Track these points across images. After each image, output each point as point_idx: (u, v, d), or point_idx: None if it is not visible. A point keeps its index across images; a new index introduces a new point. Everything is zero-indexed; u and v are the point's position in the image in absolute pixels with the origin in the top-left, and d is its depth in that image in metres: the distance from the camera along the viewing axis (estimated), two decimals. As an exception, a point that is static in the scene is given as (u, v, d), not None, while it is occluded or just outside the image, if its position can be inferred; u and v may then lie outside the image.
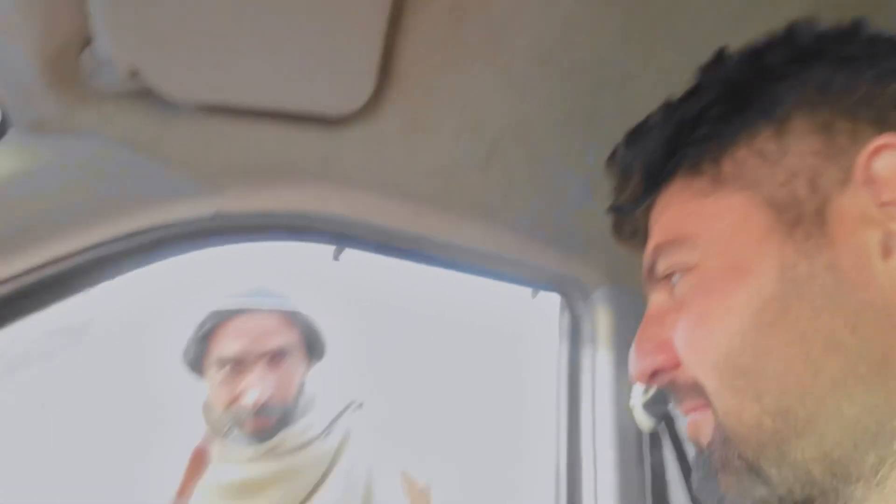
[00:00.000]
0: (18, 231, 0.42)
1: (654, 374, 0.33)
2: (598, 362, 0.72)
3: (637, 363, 0.34)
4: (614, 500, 0.66)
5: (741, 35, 0.34)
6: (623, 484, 0.66)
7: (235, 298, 0.86)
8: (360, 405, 0.97)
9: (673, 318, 0.32)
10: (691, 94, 0.35)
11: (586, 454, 0.70)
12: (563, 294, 0.78)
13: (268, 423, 0.82)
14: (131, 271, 0.51)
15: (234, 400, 0.82)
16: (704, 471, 0.31)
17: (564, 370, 0.76)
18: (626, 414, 0.69)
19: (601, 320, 0.74)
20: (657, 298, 0.34)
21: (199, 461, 0.47)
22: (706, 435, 0.31)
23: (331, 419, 0.89)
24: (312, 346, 0.90)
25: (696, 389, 0.31)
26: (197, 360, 0.85)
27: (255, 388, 0.80)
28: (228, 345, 0.82)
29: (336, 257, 0.65)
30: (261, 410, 0.81)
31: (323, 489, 0.82)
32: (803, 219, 0.28)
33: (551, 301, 0.80)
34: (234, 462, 0.81)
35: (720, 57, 0.35)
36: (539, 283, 0.76)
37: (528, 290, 0.77)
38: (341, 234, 0.58)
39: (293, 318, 0.87)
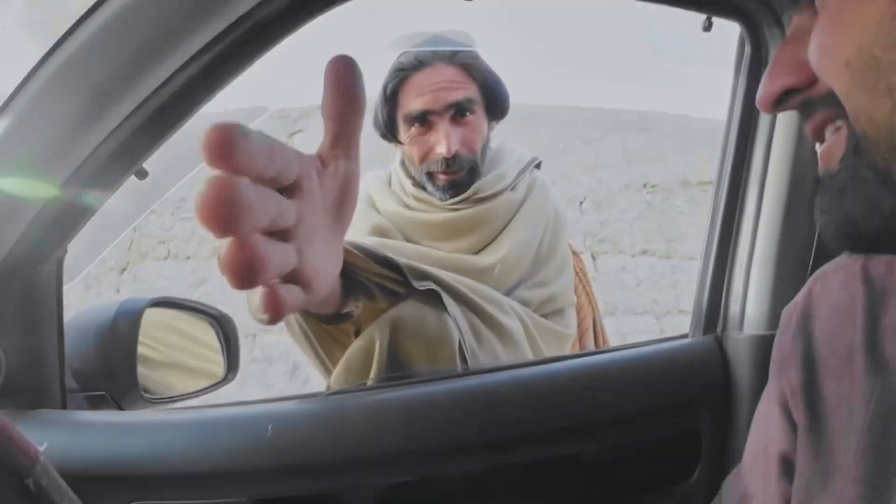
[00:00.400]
0: (193, 11, 0.48)
1: (783, 96, 0.32)
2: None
3: (764, 86, 0.32)
4: (774, 246, 0.62)
5: None
6: (787, 231, 0.61)
7: (414, 50, 0.85)
8: (539, 164, 0.99)
9: (810, 36, 0.30)
10: None
11: (751, 199, 0.65)
12: (745, 20, 0.64)
13: (458, 177, 0.86)
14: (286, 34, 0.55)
15: (426, 154, 0.85)
16: (830, 191, 0.30)
17: (739, 108, 0.66)
18: (805, 160, 0.60)
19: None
20: (798, 21, 0.32)
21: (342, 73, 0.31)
22: (838, 155, 0.29)
23: (516, 173, 0.92)
24: (492, 102, 0.89)
25: (829, 100, 0.29)
26: (389, 121, 0.88)
27: (443, 142, 0.82)
28: (413, 102, 0.84)
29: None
30: (451, 163, 0.84)
31: (510, 230, 0.90)
32: None
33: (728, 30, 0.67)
34: (434, 209, 0.88)
35: None
36: (715, 7, 0.63)
37: (699, 18, 0.65)
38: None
39: (472, 72, 0.86)
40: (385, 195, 0.93)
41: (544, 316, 0.90)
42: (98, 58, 0.49)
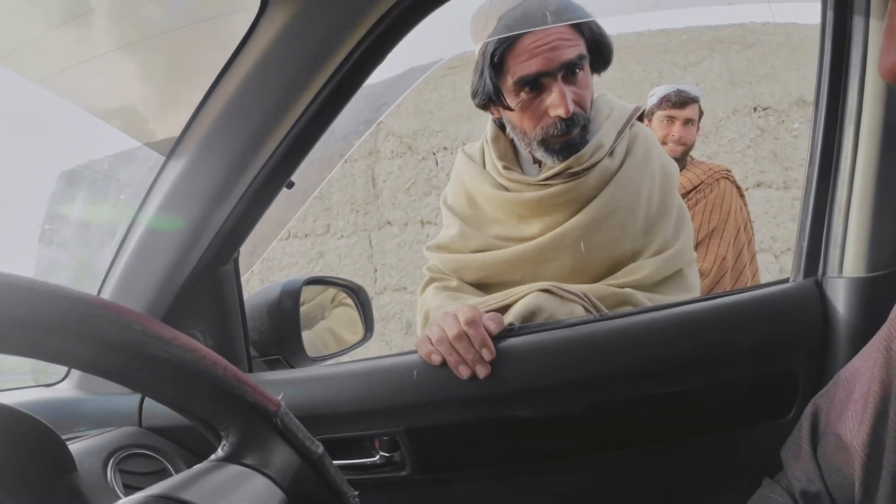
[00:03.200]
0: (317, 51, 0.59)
1: None
2: (874, 33, 0.59)
3: (886, 56, 0.29)
4: (872, 188, 0.62)
5: None
6: (884, 173, 0.61)
7: (519, 9, 0.81)
8: (642, 114, 0.94)
9: None
10: None
11: (847, 141, 0.65)
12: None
13: (574, 136, 0.84)
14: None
15: (541, 119, 0.83)
16: None
17: (829, 45, 0.65)
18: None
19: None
20: None
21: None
22: None
23: (615, 136, 0.88)
24: (599, 55, 0.86)
25: None
26: (494, 88, 0.84)
27: (561, 103, 0.80)
28: (524, 65, 0.80)
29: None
30: (569, 124, 0.82)
31: (602, 199, 0.86)
32: None
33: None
34: (526, 188, 0.88)
35: None
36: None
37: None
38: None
39: (580, 26, 0.83)
40: (479, 179, 0.93)
41: (661, 282, 0.87)
42: (250, 104, 0.63)
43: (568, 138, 0.84)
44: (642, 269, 0.86)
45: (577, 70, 0.82)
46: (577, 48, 0.82)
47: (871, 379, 0.44)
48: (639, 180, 0.88)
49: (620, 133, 0.89)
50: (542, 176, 0.88)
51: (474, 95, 0.88)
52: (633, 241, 0.87)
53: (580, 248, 0.86)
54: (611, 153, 0.88)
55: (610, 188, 0.87)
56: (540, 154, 0.87)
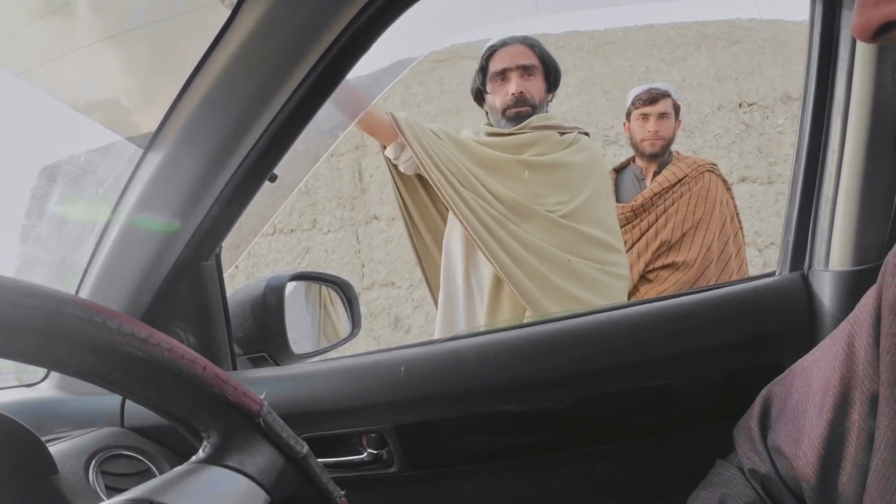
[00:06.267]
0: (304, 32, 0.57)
1: (885, 28, 0.27)
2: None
3: (863, 12, 0.27)
4: (858, 181, 0.62)
5: None
6: (870, 166, 0.61)
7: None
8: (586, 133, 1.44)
9: None
10: None
11: (834, 134, 0.65)
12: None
13: (523, 111, 1.34)
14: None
15: (503, 97, 1.35)
16: None
17: (817, 39, 0.65)
18: (887, 93, 0.59)
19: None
20: None
21: None
22: None
23: (563, 124, 1.40)
24: (549, 73, 1.38)
25: None
26: (481, 84, 1.39)
27: (513, 85, 1.33)
28: (496, 65, 1.36)
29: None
30: (518, 100, 1.33)
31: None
32: None
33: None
34: (500, 135, 1.37)
35: None
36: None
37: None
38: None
39: (535, 49, 1.36)
40: (467, 136, 1.45)
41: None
42: (230, 94, 0.61)
43: (518, 111, 1.35)
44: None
45: (529, 74, 1.34)
46: (530, 59, 1.34)
47: (830, 373, 0.44)
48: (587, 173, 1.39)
49: (569, 128, 1.41)
50: (513, 129, 1.38)
51: (471, 94, 1.45)
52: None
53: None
54: (561, 133, 1.39)
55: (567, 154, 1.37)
56: (502, 124, 1.40)
